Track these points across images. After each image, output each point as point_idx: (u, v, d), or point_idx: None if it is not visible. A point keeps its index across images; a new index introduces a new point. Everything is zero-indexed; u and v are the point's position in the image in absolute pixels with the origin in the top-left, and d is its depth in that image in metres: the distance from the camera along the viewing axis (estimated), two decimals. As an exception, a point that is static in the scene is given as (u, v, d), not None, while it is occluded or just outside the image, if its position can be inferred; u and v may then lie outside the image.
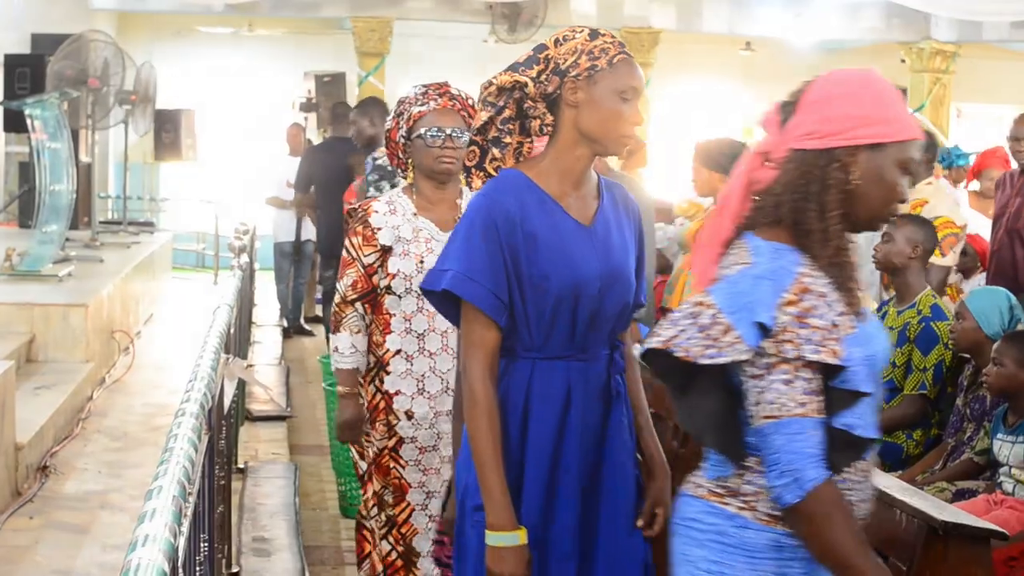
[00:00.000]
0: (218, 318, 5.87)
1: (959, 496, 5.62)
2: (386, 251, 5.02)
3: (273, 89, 21.21)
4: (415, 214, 5.09)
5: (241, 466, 8.17)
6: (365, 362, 5.14)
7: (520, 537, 3.54)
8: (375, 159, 8.14)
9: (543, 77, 3.72)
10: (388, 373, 5.06)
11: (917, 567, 4.46)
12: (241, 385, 8.47)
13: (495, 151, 3.77)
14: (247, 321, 11.57)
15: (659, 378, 3.11)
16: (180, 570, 2.87)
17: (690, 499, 3.16)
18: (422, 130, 5.01)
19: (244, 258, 9.51)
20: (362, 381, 5.18)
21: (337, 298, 5.12)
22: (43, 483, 7.53)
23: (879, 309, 6.71)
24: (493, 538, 3.54)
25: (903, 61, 19.63)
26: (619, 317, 3.80)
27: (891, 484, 4.90)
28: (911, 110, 18.29)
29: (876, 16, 19.40)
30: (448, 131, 5.00)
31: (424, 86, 5.15)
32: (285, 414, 10.20)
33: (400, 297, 5.02)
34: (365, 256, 5.05)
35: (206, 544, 4.28)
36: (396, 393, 5.04)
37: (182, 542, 3.08)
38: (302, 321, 15.26)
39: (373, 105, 10.50)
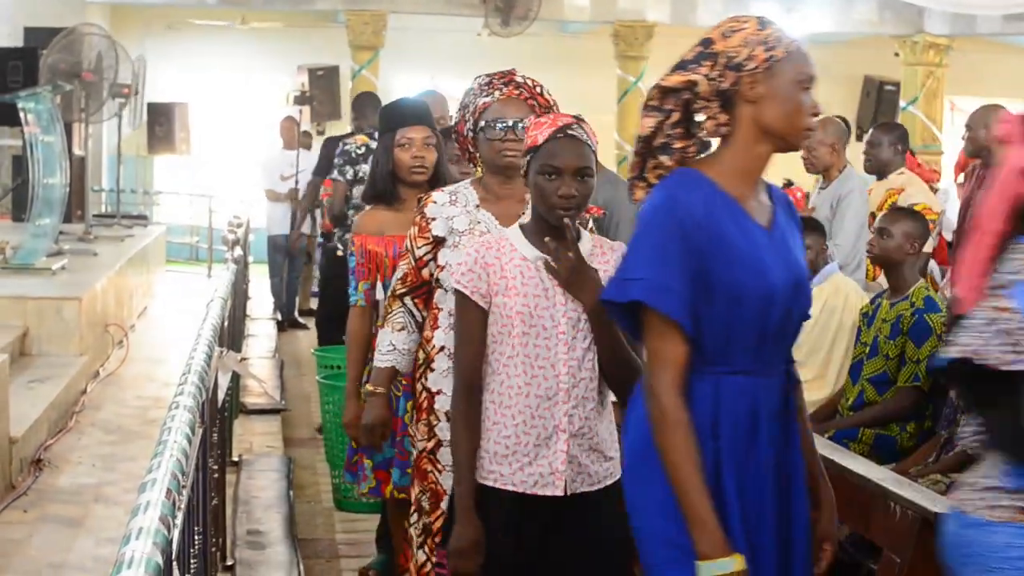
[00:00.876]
0: (212, 311, 5.88)
1: (953, 488, 5.62)
2: (438, 242, 4.71)
3: (266, 82, 21.22)
4: (477, 206, 4.71)
5: (235, 459, 8.17)
6: (408, 362, 4.91)
7: (739, 562, 3.25)
8: (344, 144, 8.28)
9: (716, 74, 3.44)
10: (432, 371, 4.72)
11: (912, 559, 4.48)
12: (235, 378, 8.47)
13: (663, 159, 3.47)
14: (241, 314, 11.58)
15: (953, 388, 3.02)
16: (174, 563, 2.88)
17: (990, 526, 3.02)
18: (484, 122, 4.64)
19: (238, 251, 9.52)
20: (414, 377, 4.88)
21: (389, 292, 4.95)
22: (37, 476, 7.52)
23: (872, 302, 6.72)
24: (708, 568, 3.24)
25: (896, 55, 19.68)
26: (798, 328, 3.61)
27: (885, 476, 4.92)
28: (903, 103, 18.36)
29: (869, 9, 19.45)
30: (510, 122, 4.58)
31: (488, 76, 4.75)
32: (279, 407, 10.20)
33: (447, 291, 4.63)
34: (418, 248, 4.75)
35: (200, 537, 4.29)
36: (438, 392, 4.67)
37: (176, 535, 3.08)
38: (296, 314, 15.27)
39: (366, 102, 10.56)
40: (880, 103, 21.75)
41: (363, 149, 9.58)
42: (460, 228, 4.69)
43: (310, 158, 14.21)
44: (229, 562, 6.33)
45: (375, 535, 6.59)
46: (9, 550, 6.37)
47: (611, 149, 18.92)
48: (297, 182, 14.36)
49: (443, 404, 4.56)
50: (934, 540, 3.51)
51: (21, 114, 11.87)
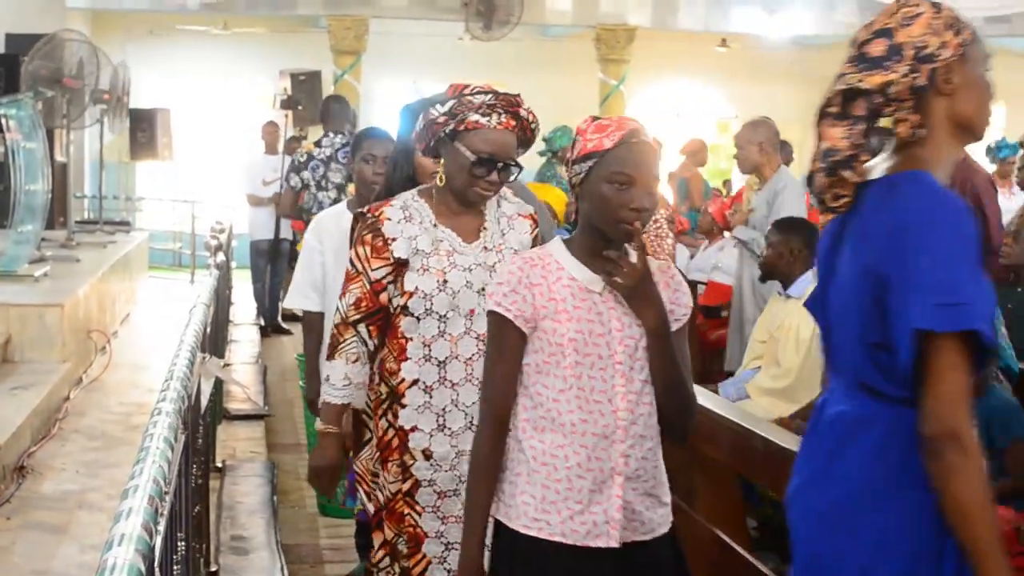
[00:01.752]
0: (194, 317, 5.87)
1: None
2: (400, 265, 4.33)
3: (249, 88, 21.22)
4: (434, 224, 4.37)
5: (219, 465, 8.16)
6: (362, 396, 4.52)
7: None
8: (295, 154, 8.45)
9: (908, 68, 3.08)
10: (403, 406, 4.34)
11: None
12: (218, 384, 8.46)
13: (846, 174, 3.13)
14: (224, 320, 11.55)
15: None
16: (157, 569, 2.87)
17: None
18: (470, 152, 4.25)
19: (220, 257, 9.50)
20: (371, 415, 4.50)
21: (337, 318, 4.45)
22: (20, 483, 7.50)
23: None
24: None
25: (878, 57, 19.68)
26: None
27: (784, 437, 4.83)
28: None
29: (851, 11, 19.50)
30: (499, 165, 4.26)
31: (495, 95, 4.29)
32: (263, 413, 10.18)
33: (419, 319, 4.30)
34: (373, 270, 4.35)
35: (183, 543, 4.28)
36: (412, 429, 4.34)
37: (159, 541, 3.07)
38: (279, 319, 15.25)
39: (330, 105, 10.79)
40: (862, 105, 21.78)
41: (304, 157, 10.35)
42: (425, 249, 4.35)
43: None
44: (213, 568, 6.31)
45: (355, 542, 6.57)
46: (-8, 557, 6.36)
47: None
48: (282, 187, 14.38)
49: (419, 442, 4.33)
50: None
51: (2, 121, 11.85)
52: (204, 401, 5.90)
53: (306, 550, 7.25)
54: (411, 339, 4.34)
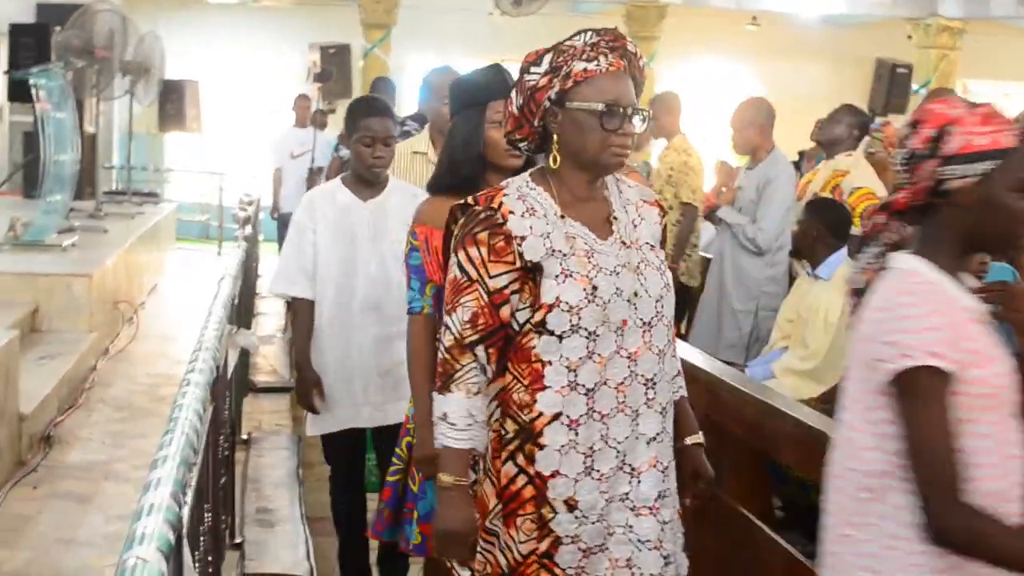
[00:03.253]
0: (223, 289, 5.89)
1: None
2: (530, 271, 3.46)
3: (278, 61, 21.21)
4: (561, 215, 3.53)
5: (244, 437, 8.18)
6: (484, 436, 3.53)
7: None
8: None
9: None
10: (541, 447, 3.46)
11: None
12: (244, 356, 8.48)
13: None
14: (251, 292, 11.58)
15: None
16: (184, 540, 2.88)
17: None
18: (588, 103, 3.47)
19: (248, 229, 9.51)
20: (489, 459, 3.56)
21: (449, 340, 3.48)
22: (47, 453, 7.54)
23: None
24: None
25: (909, 37, 19.63)
26: None
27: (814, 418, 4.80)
28: (915, 86, 18.32)
29: (882, -10, 19.41)
30: (628, 110, 3.49)
31: (594, 33, 3.58)
32: (288, 385, 10.18)
33: (561, 338, 3.43)
34: (492, 277, 3.45)
35: (209, 514, 4.30)
36: (553, 475, 3.46)
37: (186, 512, 3.08)
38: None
39: (378, 87, 10.71)
40: (893, 86, 21.62)
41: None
42: (562, 249, 3.50)
43: (323, 136, 14.20)
44: (238, 540, 6.33)
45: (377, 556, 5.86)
46: (19, 526, 6.39)
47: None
48: (313, 160, 14.35)
49: (561, 490, 3.45)
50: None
51: (33, 90, 11.88)
52: (230, 373, 5.92)
53: (331, 523, 7.25)
54: (549, 363, 3.45)
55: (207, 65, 21.10)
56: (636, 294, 3.50)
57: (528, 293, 3.46)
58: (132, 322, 11.18)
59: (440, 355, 3.50)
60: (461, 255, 3.48)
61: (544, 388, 3.44)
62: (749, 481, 5.10)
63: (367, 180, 5.67)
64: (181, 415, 3.33)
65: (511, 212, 3.48)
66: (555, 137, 3.53)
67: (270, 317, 13.29)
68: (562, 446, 3.44)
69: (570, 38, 3.56)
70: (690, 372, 4.98)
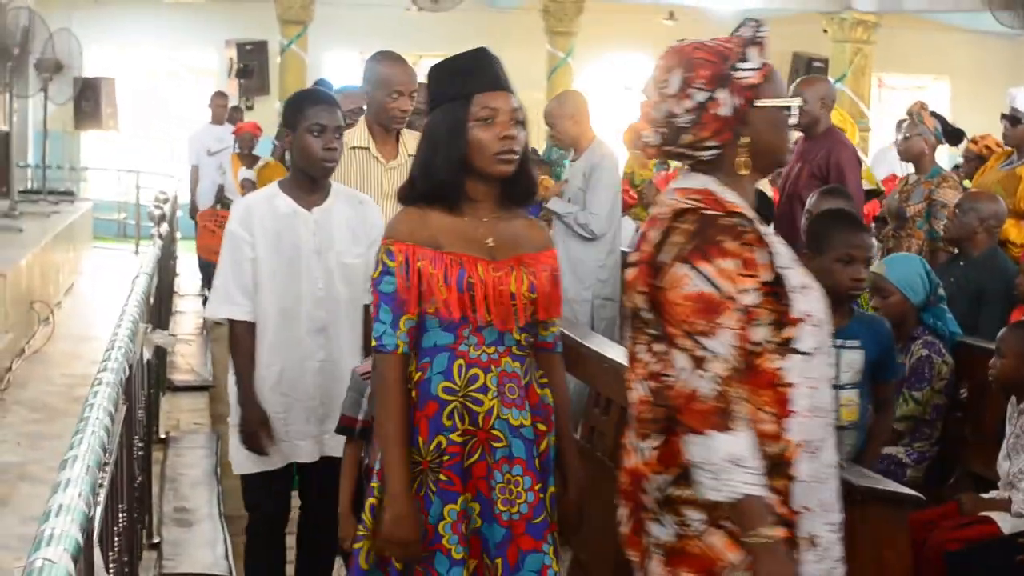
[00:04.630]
0: (137, 287, 5.84)
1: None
2: (773, 283, 3.06)
3: (195, 58, 21.09)
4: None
5: (162, 436, 8.12)
6: None
7: None
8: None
9: None
10: (792, 478, 3.07)
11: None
12: (161, 355, 8.41)
13: None
14: (168, 291, 11.50)
15: None
16: (96, 540, 2.85)
17: None
18: (778, 99, 3.20)
19: (164, 227, 9.45)
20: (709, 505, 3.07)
21: (722, 368, 2.96)
22: (-39, 454, 7.47)
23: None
24: None
25: (825, 31, 19.78)
26: None
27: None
28: (831, 80, 18.54)
29: (797, -15, 19.56)
30: (797, 105, 3.25)
31: (753, 23, 3.27)
32: (207, 384, 10.13)
33: (806, 356, 3.07)
34: (741, 292, 3.02)
35: (124, 514, 4.26)
36: (799, 511, 3.09)
37: (99, 512, 3.06)
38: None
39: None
40: (809, 80, 21.91)
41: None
42: (788, 257, 3.17)
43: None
44: (155, 539, 6.29)
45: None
46: (-68, 529, 6.32)
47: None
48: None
49: (808, 527, 3.09)
50: (859, 513, 3.52)
51: (-56, 90, 11.75)
52: (147, 372, 5.87)
53: (250, 522, 7.24)
54: (795, 385, 3.06)
55: (123, 63, 20.94)
56: None
57: (767, 309, 3.04)
58: (48, 322, 11.08)
59: (708, 388, 2.93)
60: (708, 268, 2.98)
61: (790, 414, 3.05)
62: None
63: (313, 179, 4.90)
64: (91, 415, 3.30)
65: (746, 215, 3.09)
66: (741, 139, 3.17)
67: (188, 316, 13.21)
68: (808, 476, 3.08)
69: (737, 30, 3.26)
70: (603, 365, 5.01)
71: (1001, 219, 7.06)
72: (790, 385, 3.04)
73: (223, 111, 15.43)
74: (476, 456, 3.58)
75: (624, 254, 8.42)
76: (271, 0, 19.04)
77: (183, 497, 7.01)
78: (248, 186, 12.12)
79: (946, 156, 11.06)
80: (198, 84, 19.82)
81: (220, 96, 15.83)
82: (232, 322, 4.92)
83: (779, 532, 2.94)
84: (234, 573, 5.93)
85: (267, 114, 19.57)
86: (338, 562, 5.13)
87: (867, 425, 5.23)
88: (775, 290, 3.05)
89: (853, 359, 5.13)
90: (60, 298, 12.69)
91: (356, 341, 4.95)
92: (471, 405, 3.58)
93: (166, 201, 10.95)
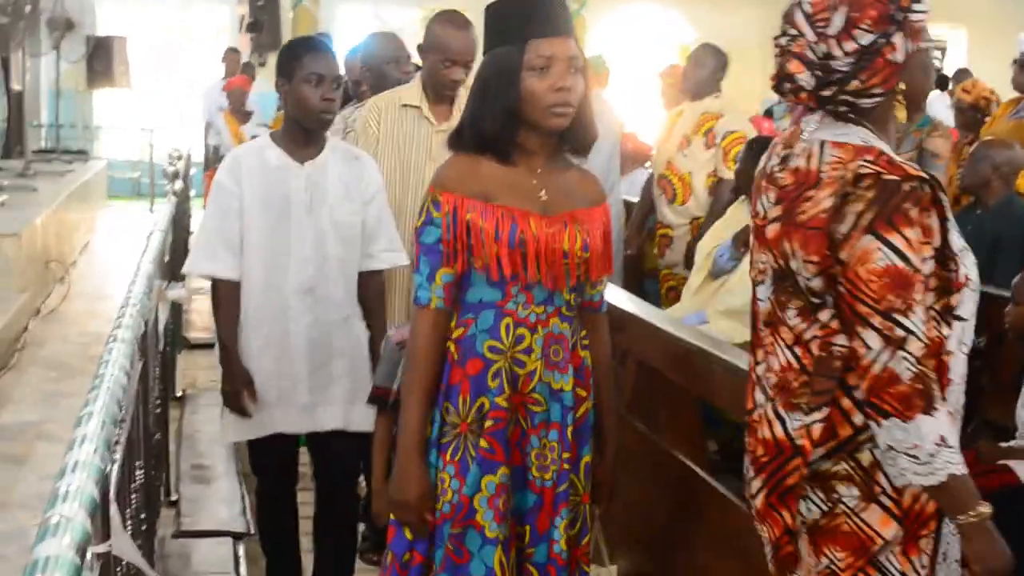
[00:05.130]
0: (151, 244, 5.83)
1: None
2: (942, 250, 2.89)
3: (207, 14, 21.03)
4: None
5: (179, 394, 8.13)
6: None
7: None
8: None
9: None
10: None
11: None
12: (177, 312, 8.42)
13: None
14: (183, 248, 11.50)
15: None
16: (113, 497, 2.85)
17: None
18: (927, 42, 3.00)
19: (179, 184, 9.43)
20: (868, 479, 2.96)
21: (918, 348, 2.76)
22: (-21, 414, 7.49)
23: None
24: None
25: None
26: None
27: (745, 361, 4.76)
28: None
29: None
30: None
31: None
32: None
33: (965, 323, 2.94)
34: (924, 263, 2.83)
35: (141, 471, 4.26)
36: None
37: (115, 469, 3.05)
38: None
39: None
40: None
41: None
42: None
43: (253, 90, 14.12)
44: (173, 497, 6.30)
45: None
46: (-49, 488, 6.35)
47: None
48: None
49: None
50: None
51: (-44, 49, 11.74)
52: (162, 329, 5.86)
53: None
54: (953, 354, 2.95)
55: (135, 20, 20.87)
56: None
57: (935, 275, 2.87)
58: (63, 281, 11.09)
59: (910, 369, 2.75)
60: (897, 239, 2.77)
61: (949, 383, 2.91)
62: (684, 425, 5.10)
63: (308, 132, 4.65)
64: (107, 372, 3.29)
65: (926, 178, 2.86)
66: (899, 86, 2.99)
67: (204, 273, 13.23)
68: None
69: None
70: (620, 318, 4.99)
71: (1016, 166, 7.01)
72: (950, 353, 2.90)
73: (236, 66, 15.44)
74: (511, 421, 3.45)
75: (629, 204, 8.38)
76: (283, -45, 19.02)
77: (200, 455, 7.02)
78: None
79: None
80: (210, 41, 19.74)
81: (232, 52, 15.85)
82: (215, 280, 4.67)
83: (987, 508, 2.80)
84: (252, 530, 5.93)
85: (280, 70, 19.57)
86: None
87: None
88: (942, 254, 2.87)
89: None
90: (75, 257, 12.70)
91: (348, 305, 4.73)
92: (514, 367, 3.42)
93: (180, 158, 10.92)
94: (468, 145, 3.48)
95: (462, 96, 5.25)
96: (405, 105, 5.41)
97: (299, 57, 4.60)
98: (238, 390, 4.65)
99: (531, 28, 3.39)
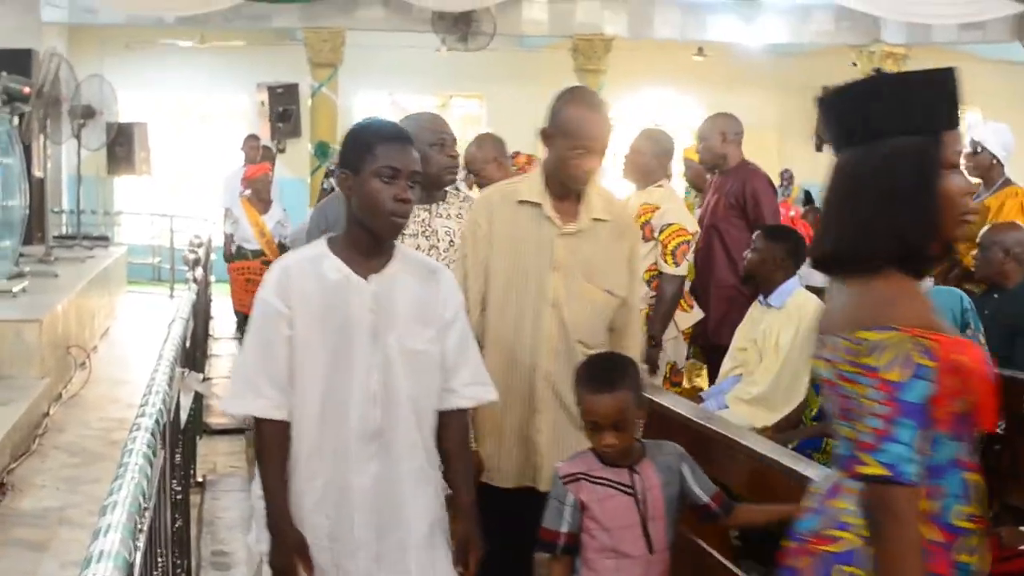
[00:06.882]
0: (173, 332, 5.86)
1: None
2: None
3: (226, 101, 21.22)
4: None
5: (199, 480, 8.13)
6: None
7: None
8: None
9: None
10: None
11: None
12: (198, 398, 8.44)
13: None
14: (204, 334, 11.52)
15: None
16: (137, 585, 2.86)
17: None
18: None
19: (199, 271, 9.48)
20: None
21: None
22: (1, 500, 7.48)
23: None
24: None
25: (854, 64, 19.75)
26: None
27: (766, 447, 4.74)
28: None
29: (826, 19, 19.56)
30: None
31: None
32: (243, 427, 10.14)
33: None
34: None
35: (163, 559, 4.27)
36: None
37: (138, 557, 3.07)
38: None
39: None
40: (839, 113, 21.87)
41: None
42: None
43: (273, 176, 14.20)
44: (194, 583, 6.30)
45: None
46: (-27, 575, 6.34)
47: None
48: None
49: None
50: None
51: (-21, 137, 11.82)
52: (184, 416, 5.88)
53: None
54: None
55: (155, 107, 21.07)
56: None
57: None
58: (84, 367, 11.12)
59: None
60: None
61: None
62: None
63: (375, 238, 3.84)
64: (131, 460, 3.31)
65: None
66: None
67: (224, 359, 13.25)
68: None
69: None
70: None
71: (1027, 245, 7.01)
72: None
73: (256, 153, 15.54)
74: None
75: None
76: (301, 43, 19.15)
77: (221, 541, 7.02)
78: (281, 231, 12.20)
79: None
80: (230, 127, 19.90)
81: (253, 139, 15.95)
82: (258, 421, 3.84)
83: None
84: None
85: (299, 157, 19.72)
86: None
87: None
88: None
89: None
90: (96, 342, 12.74)
91: (424, 453, 3.92)
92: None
93: (200, 245, 10.99)
94: (877, 263, 2.82)
95: (590, 193, 4.72)
96: (522, 201, 4.74)
97: (370, 146, 3.80)
98: (289, 562, 3.77)
99: (945, 117, 2.82)
